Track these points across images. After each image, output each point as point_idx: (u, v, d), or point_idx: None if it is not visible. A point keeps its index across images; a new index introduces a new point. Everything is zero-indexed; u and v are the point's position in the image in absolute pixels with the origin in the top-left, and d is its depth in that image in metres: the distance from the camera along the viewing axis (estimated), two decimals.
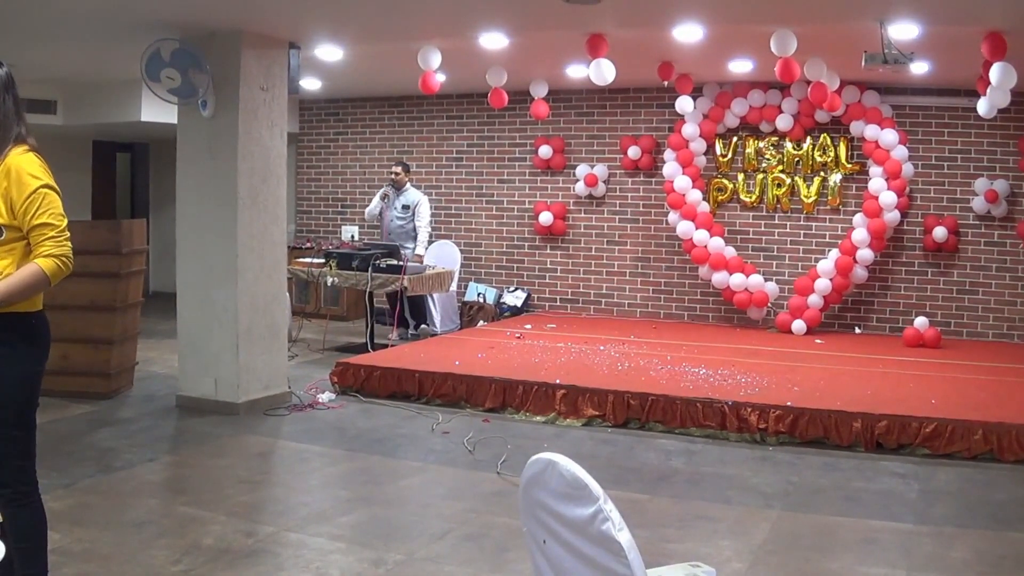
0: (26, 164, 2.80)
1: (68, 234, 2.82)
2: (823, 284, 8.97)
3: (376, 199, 9.63)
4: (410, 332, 9.52)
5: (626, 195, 10.23)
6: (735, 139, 9.63)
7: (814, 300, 9.03)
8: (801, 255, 9.52)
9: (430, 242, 9.82)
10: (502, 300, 10.51)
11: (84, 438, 5.74)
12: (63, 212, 2.84)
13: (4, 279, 2.75)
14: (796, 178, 9.44)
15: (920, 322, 8.61)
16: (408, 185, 9.56)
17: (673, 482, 5.13)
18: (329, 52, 7.46)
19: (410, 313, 9.59)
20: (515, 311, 10.37)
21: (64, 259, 2.79)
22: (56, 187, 2.85)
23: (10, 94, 2.86)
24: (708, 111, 9.45)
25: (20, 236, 2.81)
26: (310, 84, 9.85)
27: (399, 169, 9.52)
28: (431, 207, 9.72)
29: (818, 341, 8.67)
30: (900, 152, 8.68)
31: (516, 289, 10.62)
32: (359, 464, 5.43)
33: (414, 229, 9.41)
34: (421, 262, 9.11)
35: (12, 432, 2.84)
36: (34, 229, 2.77)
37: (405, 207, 9.44)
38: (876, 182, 8.74)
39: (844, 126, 9.11)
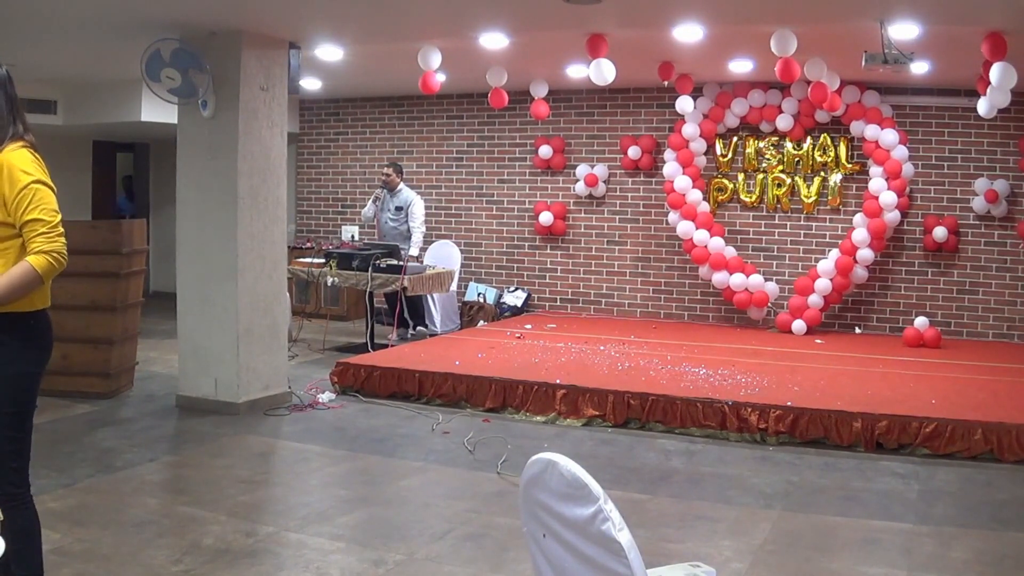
0: (17, 160, 2.78)
1: (61, 230, 2.78)
2: (823, 284, 8.97)
3: (370, 203, 9.61)
4: (409, 333, 9.51)
5: (626, 195, 10.23)
6: (735, 139, 9.63)
7: (814, 300, 9.03)
8: (801, 255, 9.52)
9: (425, 243, 9.75)
10: (502, 300, 10.51)
11: (84, 438, 5.74)
12: (56, 208, 2.80)
13: None
14: (796, 178, 9.44)
15: (920, 322, 8.61)
16: (401, 186, 9.51)
17: (673, 482, 5.13)
18: (329, 52, 7.46)
19: (408, 313, 9.58)
20: (515, 311, 10.38)
21: (56, 255, 2.75)
22: (50, 183, 2.82)
23: (3, 92, 2.85)
24: (708, 111, 9.46)
25: (15, 234, 2.78)
26: (310, 84, 9.85)
27: (390, 171, 9.46)
28: (424, 207, 9.63)
29: (818, 341, 8.67)
30: (900, 152, 8.68)
31: (516, 289, 10.62)
32: (359, 464, 5.43)
33: (408, 230, 9.38)
34: (419, 263, 9.08)
35: (6, 433, 2.82)
36: (26, 225, 2.74)
37: (398, 208, 9.41)
38: (876, 182, 8.74)
39: (844, 126, 9.11)
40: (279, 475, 5.29)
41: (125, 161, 13.46)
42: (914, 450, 5.58)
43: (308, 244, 11.31)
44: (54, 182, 2.87)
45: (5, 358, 2.80)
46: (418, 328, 9.60)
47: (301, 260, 9.35)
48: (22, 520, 2.88)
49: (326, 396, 6.96)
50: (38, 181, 2.78)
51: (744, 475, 5.22)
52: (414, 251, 9.24)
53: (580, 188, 10.26)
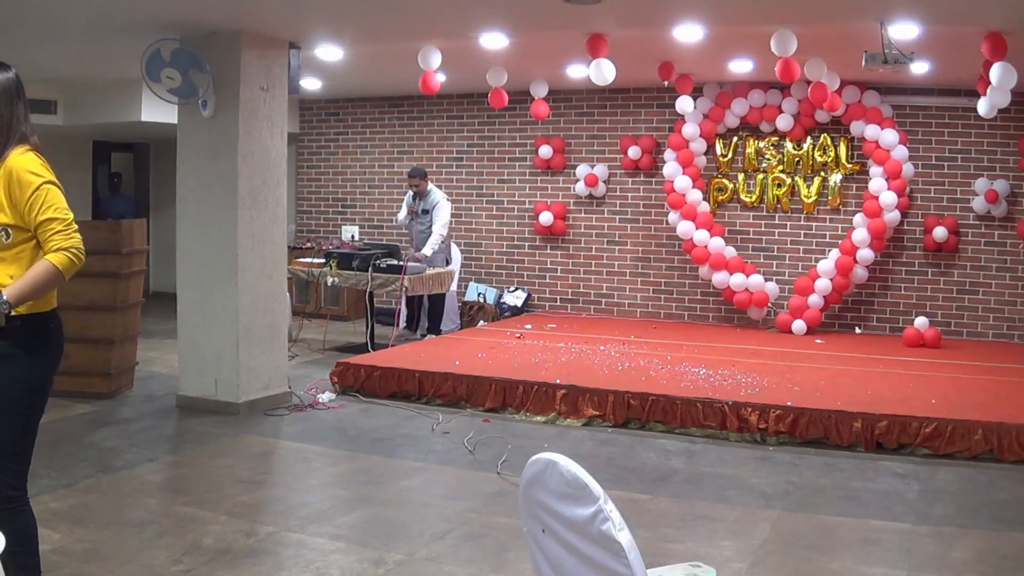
0: (25, 163, 2.80)
1: (76, 227, 2.81)
2: (823, 284, 8.97)
3: (404, 210, 9.44)
4: (419, 333, 9.42)
5: (626, 195, 10.23)
6: (735, 139, 9.63)
7: (814, 300, 9.03)
8: (801, 255, 9.52)
9: (443, 245, 9.31)
10: (502, 300, 10.51)
11: (84, 438, 5.74)
12: (67, 206, 2.83)
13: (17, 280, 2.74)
14: (796, 178, 9.44)
15: (920, 322, 8.61)
16: (430, 187, 9.36)
17: (673, 482, 5.13)
18: (329, 52, 7.46)
19: (429, 315, 9.44)
20: (515, 311, 10.38)
21: (75, 251, 2.77)
22: (58, 183, 2.85)
23: (20, 98, 2.88)
24: (708, 111, 9.46)
25: (28, 238, 2.80)
26: (310, 84, 9.84)
27: (417, 179, 9.23)
28: (451, 210, 9.40)
29: (818, 341, 8.67)
30: (900, 152, 8.68)
31: (516, 289, 10.62)
32: (359, 464, 5.43)
33: None
34: (425, 261, 8.89)
35: (14, 435, 2.82)
36: (41, 225, 2.76)
37: (425, 211, 9.30)
38: (876, 182, 8.74)
39: (844, 126, 9.11)
40: (279, 475, 5.29)
41: (123, 161, 13.44)
42: (914, 450, 5.58)
43: (308, 244, 11.31)
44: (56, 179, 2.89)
45: (24, 362, 2.80)
46: (426, 336, 9.45)
47: (301, 260, 9.34)
48: (19, 523, 2.87)
49: (326, 396, 6.96)
50: (48, 182, 2.81)
51: (744, 475, 5.22)
52: (427, 251, 8.94)
53: (580, 188, 10.26)
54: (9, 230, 2.77)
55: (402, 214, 9.50)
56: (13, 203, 2.77)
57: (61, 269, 2.74)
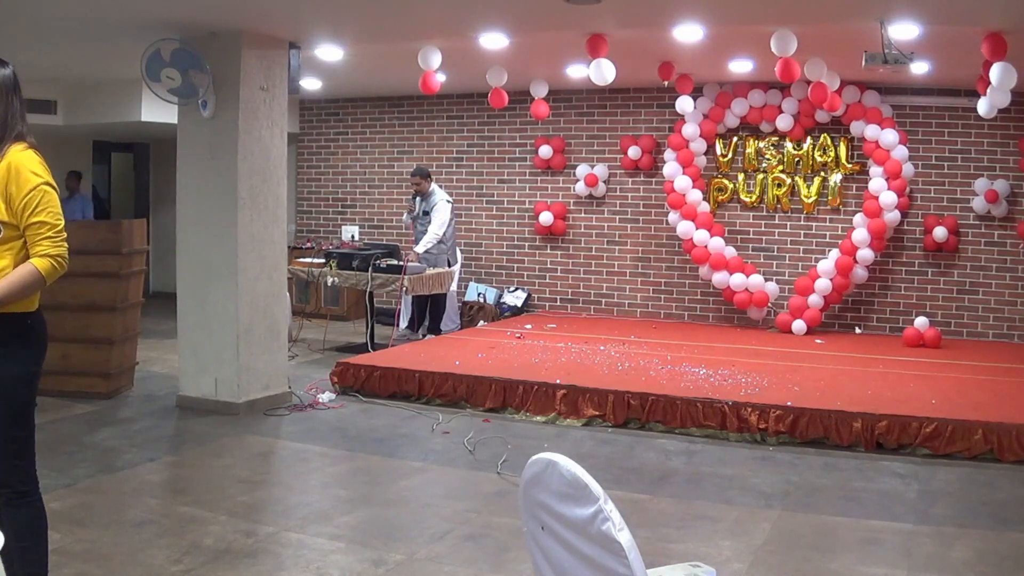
0: (27, 161, 2.80)
1: (65, 234, 2.82)
2: (823, 284, 8.97)
3: (406, 212, 9.50)
4: (420, 333, 9.41)
5: (626, 195, 10.23)
6: (735, 139, 9.63)
7: (814, 300, 9.03)
8: (801, 255, 9.52)
9: (444, 246, 9.29)
10: (502, 300, 10.51)
11: (84, 438, 5.74)
12: (61, 211, 2.84)
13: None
14: (796, 178, 9.45)
15: (920, 322, 8.61)
16: (433, 188, 9.33)
17: (673, 482, 5.13)
18: (329, 52, 7.46)
19: (430, 314, 9.42)
20: (515, 311, 10.38)
21: (60, 259, 2.79)
22: (55, 185, 2.86)
23: (16, 95, 2.88)
24: (708, 111, 9.46)
25: (18, 235, 2.80)
26: (310, 84, 9.85)
27: (418, 178, 9.25)
28: (451, 212, 9.32)
29: (818, 341, 8.67)
30: (900, 152, 8.68)
31: (516, 289, 10.62)
32: (359, 464, 5.43)
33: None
34: (417, 260, 8.89)
35: (9, 432, 2.84)
36: (31, 226, 2.77)
37: (427, 212, 9.26)
38: (876, 182, 8.74)
39: (844, 126, 9.11)
40: (279, 475, 5.29)
41: (123, 161, 13.44)
42: (914, 450, 5.58)
43: (308, 244, 11.30)
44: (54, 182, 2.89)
45: (6, 359, 2.81)
46: (427, 335, 9.44)
47: (301, 260, 9.34)
48: (29, 517, 2.91)
49: (326, 396, 6.96)
50: (47, 184, 2.82)
51: (744, 475, 5.22)
52: (419, 248, 8.93)
53: (580, 188, 10.26)
54: (1, 226, 2.78)
55: (407, 219, 9.51)
56: (8, 199, 2.77)
57: (44, 275, 2.76)
